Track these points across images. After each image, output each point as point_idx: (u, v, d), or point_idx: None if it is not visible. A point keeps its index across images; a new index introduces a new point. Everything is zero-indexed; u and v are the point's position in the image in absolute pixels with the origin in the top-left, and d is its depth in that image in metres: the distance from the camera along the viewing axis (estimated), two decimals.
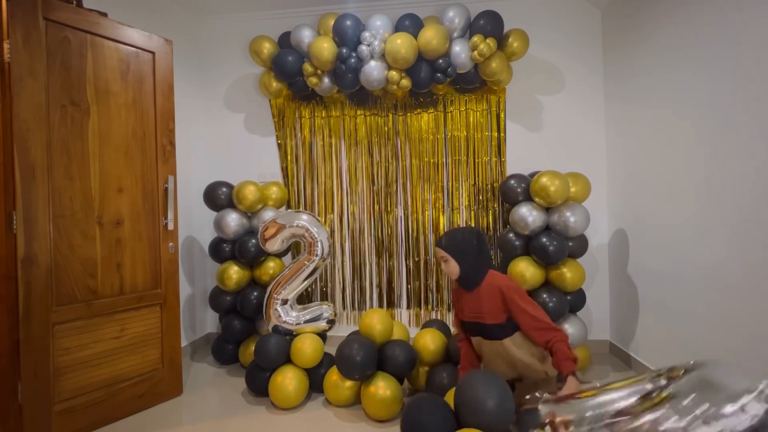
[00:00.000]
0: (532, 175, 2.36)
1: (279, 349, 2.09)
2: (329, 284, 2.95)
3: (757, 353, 1.56)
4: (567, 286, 2.24)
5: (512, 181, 2.38)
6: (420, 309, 2.87)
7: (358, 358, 1.91)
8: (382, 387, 1.89)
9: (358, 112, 2.89)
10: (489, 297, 1.62)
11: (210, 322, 3.05)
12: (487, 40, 2.36)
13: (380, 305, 2.90)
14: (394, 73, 2.47)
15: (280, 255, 2.66)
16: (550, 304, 2.18)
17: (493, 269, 1.69)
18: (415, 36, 2.41)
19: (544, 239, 2.20)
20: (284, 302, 2.21)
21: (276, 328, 2.19)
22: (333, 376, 2.04)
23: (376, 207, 2.88)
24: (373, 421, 1.91)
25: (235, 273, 2.49)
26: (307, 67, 2.57)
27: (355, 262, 2.92)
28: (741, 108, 1.62)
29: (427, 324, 2.33)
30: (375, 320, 2.08)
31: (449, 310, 2.83)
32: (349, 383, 2.01)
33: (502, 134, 2.76)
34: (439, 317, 2.84)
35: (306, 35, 2.57)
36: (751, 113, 1.57)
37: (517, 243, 2.32)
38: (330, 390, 2.04)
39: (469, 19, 2.46)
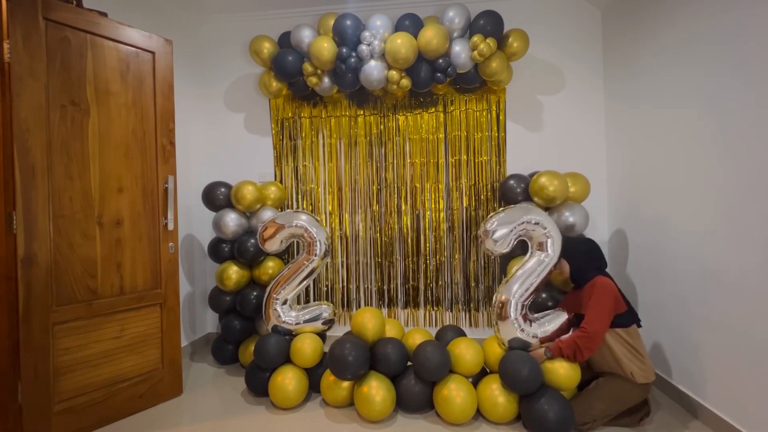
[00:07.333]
0: (532, 175, 2.36)
1: (279, 349, 2.09)
2: (328, 284, 2.95)
3: (758, 354, 1.57)
4: (567, 286, 2.24)
5: (512, 181, 2.38)
6: (419, 309, 2.87)
7: (350, 358, 1.90)
8: (375, 387, 1.89)
9: (358, 112, 2.89)
10: (587, 293, 1.88)
11: (210, 322, 3.05)
12: (487, 40, 2.36)
13: (380, 305, 2.90)
14: (394, 72, 2.47)
15: (279, 255, 2.66)
16: (550, 304, 2.18)
17: (604, 276, 1.88)
18: (415, 36, 2.41)
19: None
20: (284, 302, 2.22)
21: (275, 328, 2.19)
22: (330, 376, 2.04)
23: (376, 207, 2.88)
24: (367, 422, 1.91)
25: (234, 273, 2.49)
26: (307, 67, 2.57)
27: (354, 262, 2.92)
28: (743, 107, 1.62)
29: (443, 330, 2.30)
30: (366, 319, 2.07)
31: (448, 310, 2.84)
32: (345, 383, 2.01)
33: (502, 134, 2.76)
34: (438, 317, 2.84)
35: (306, 35, 2.57)
36: (754, 112, 1.57)
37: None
38: (326, 391, 2.04)
39: (469, 19, 2.46)
